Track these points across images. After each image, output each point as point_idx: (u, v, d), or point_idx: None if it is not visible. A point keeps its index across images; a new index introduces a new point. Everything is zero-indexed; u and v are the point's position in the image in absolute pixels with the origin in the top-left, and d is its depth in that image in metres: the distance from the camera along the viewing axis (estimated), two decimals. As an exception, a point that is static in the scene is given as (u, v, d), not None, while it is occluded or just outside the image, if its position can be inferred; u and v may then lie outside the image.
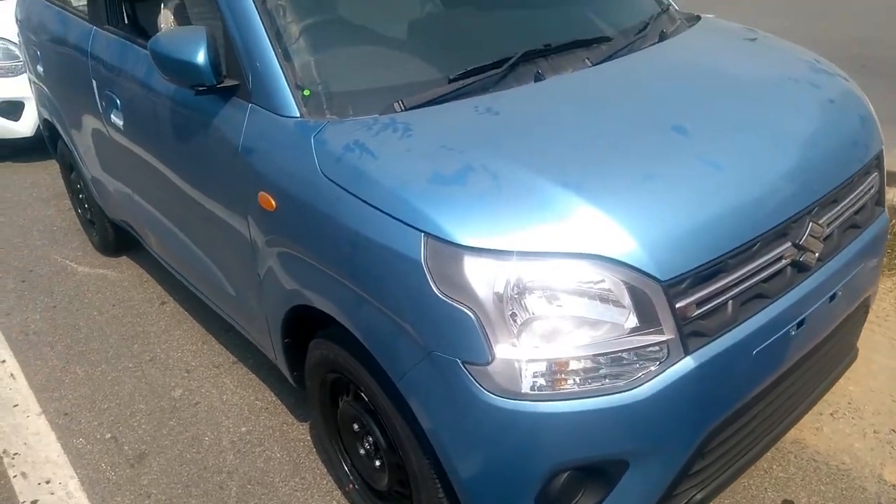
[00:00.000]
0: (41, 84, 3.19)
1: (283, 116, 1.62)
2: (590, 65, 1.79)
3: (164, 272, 3.25)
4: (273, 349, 2.00)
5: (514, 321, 1.25)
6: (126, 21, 2.50)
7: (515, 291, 1.24)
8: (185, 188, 2.08)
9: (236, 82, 1.73)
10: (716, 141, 1.51)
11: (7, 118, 4.69)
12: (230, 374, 2.60)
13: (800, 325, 1.48)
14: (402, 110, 1.58)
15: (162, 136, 2.11)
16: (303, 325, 1.82)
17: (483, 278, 1.25)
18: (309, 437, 2.26)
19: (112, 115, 2.41)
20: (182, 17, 2.49)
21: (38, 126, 3.98)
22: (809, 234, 1.48)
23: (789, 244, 1.47)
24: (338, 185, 1.44)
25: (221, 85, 1.72)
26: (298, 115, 1.61)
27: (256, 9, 1.71)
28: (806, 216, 1.50)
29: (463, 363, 1.27)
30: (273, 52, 1.66)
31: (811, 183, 1.52)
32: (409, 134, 1.50)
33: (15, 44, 4.29)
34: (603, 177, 1.37)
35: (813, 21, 6.89)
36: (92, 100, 2.56)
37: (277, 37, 1.69)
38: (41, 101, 3.34)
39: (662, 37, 1.98)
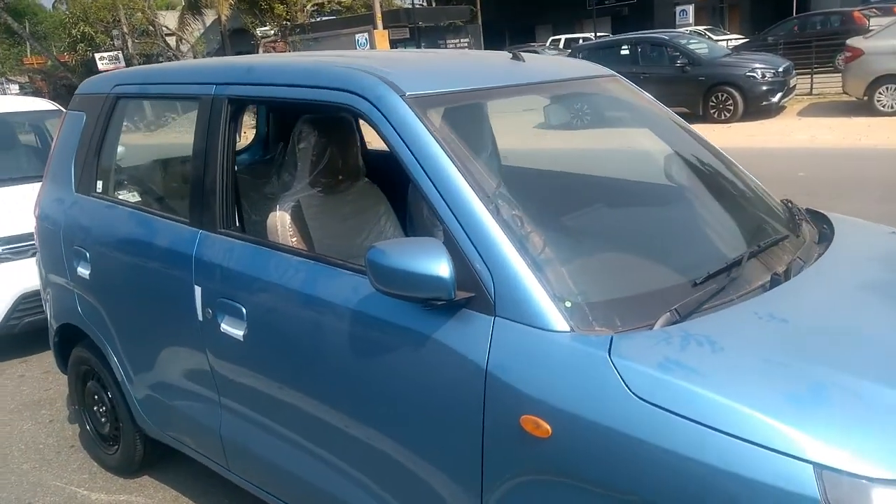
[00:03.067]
0: (77, 288, 2.88)
1: (545, 330, 1.53)
2: (803, 265, 1.86)
3: (200, 491, 2.87)
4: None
5: None
6: (238, 224, 2.36)
7: None
8: (361, 416, 1.89)
9: (471, 294, 1.64)
10: None
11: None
12: None
13: None
14: (677, 320, 1.54)
15: (329, 354, 1.93)
16: None
17: None
18: None
19: (224, 326, 2.19)
20: (299, 220, 2.40)
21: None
22: None
23: None
24: (663, 408, 1.34)
25: (457, 299, 1.62)
26: (568, 328, 1.52)
27: (496, 220, 1.66)
28: None
29: None
30: (524, 262, 1.60)
31: None
32: (720, 348, 1.45)
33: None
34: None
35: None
36: (184, 309, 2.33)
37: (522, 246, 1.63)
38: (65, 304, 3.01)
39: (824, 237, 2.09)
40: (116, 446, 3.06)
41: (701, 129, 2.33)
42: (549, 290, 1.57)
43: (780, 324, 1.55)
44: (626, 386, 1.39)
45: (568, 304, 1.56)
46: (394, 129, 1.83)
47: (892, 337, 1.51)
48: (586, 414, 1.42)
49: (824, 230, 2.16)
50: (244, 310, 2.14)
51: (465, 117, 2.05)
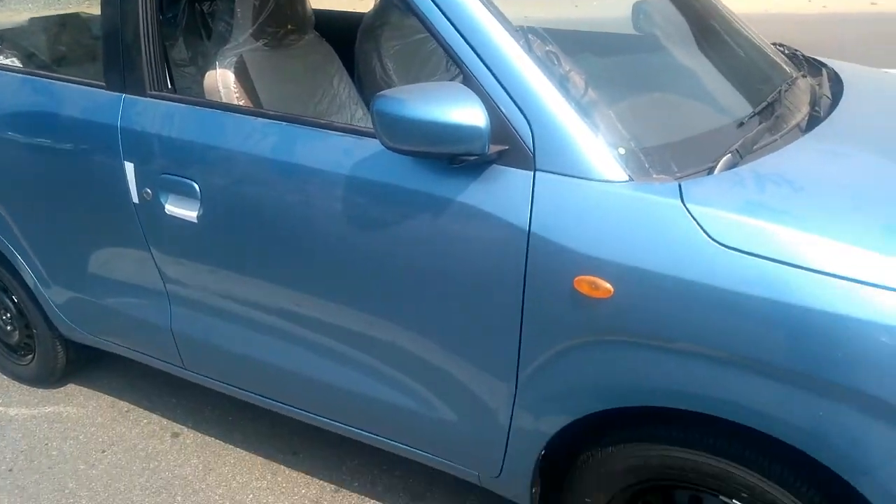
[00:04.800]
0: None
1: (600, 181, 1.33)
2: (831, 102, 1.74)
3: (140, 394, 2.57)
4: (502, 469, 1.63)
5: None
6: (170, 85, 1.94)
7: None
8: (363, 296, 1.64)
9: (503, 147, 1.39)
10: None
11: None
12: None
13: None
14: (738, 162, 1.38)
15: (318, 231, 1.64)
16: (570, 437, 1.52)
17: None
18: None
19: (170, 207, 1.84)
20: (244, 79, 2.01)
21: None
22: None
23: None
24: (753, 254, 1.19)
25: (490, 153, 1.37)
26: (626, 177, 1.32)
27: (529, 57, 1.39)
28: None
29: None
30: (568, 105, 1.36)
31: None
32: (799, 187, 1.30)
33: None
34: None
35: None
36: (111, 192, 1.94)
37: (563, 87, 1.39)
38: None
39: (831, 76, 1.99)
40: (31, 356, 2.64)
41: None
42: (599, 136, 1.35)
43: (846, 159, 1.43)
44: (707, 234, 1.22)
45: (622, 152, 1.35)
46: None
47: None
48: (657, 268, 1.25)
49: (824, 69, 2.06)
50: (196, 186, 1.78)
51: None
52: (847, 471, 1.21)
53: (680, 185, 1.29)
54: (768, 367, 1.21)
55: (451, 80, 1.47)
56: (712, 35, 1.97)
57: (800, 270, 1.17)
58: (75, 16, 2.71)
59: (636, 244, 1.27)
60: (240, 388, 2.05)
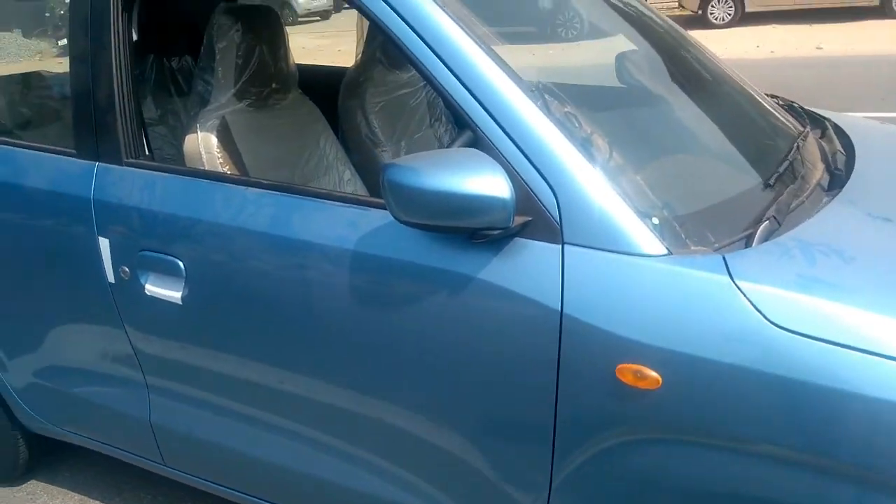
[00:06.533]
0: None
1: (636, 255, 1.22)
2: (846, 159, 1.68)
3: (111, 490, 2.35)
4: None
5: None
6: (148, 152, 1.80)
7: None
8: (371, 385, 1.50)
9: (527, 219, 1.28)
10: None
11: None
12: None
13: None
14: (776, 229, 1.29)
15: (319, 313, 1.50)
16: None
17: None
18: None
19: (151, 287, 1.68)
20: (227, 142, 1.88)
21: None
22: None
23: None
24: (819, 339, 1.09)
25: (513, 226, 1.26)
26: (665, 250, 1.22)
27: (549, 118, 1.29)
28: None
29: None
30: (595, 171, 1.26)
31: None
32: (850, 257, 1.22)
33: None
34: None
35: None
36: (83, 269, 1.77)
37: (587, 151, 1.29)
38: None
39: (838, 131, 1.93)
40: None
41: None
42: (631, 205, 1.25)
43: (888, 223, 1.35)
44: (763, 315, 1.12)
45: (656, 221, 1.26)
46: (396, 12, 1.38)
47: None
48: (710, 354, 1.14)
49: (827, 122, 2.02)
50: (181, 264, 1.63)
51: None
52: None
53: (725, 259, 1.19)
54: (847, 466, 1.10)
55: (460, 143, 1.36)
56: (710, 87, 1.91)
57: (874, 357, 1.07)
58: (37, 75, 2.55)
59: (685, 327, 1.17)
60: (228, 488, 1.86)
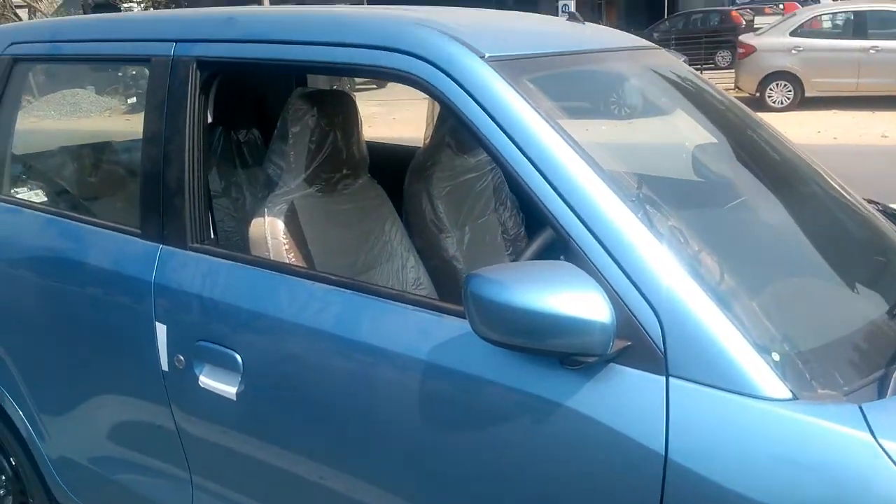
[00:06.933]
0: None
1: (755, 398, 1.07)
2: None
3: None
4: None
5: None
6: (213, 236, 1.73)
7: None
8: None
9: (626, 343, 1.15)
10: None
11: None
12: None
13: None
14: None
15: (383, 424, 1.37)
16: None
17: None
18: None
19: (205, 380, 1.58)
20: (294, 228, 1.81)
21: None
22: None
23: None
24: None
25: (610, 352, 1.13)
26: (789, 394, 1.07)
27: (653, 234, 1.17)
28: None
29: None
30: (705, 295, 1.13)
31: None
32: None
33: None
34: None
35: None
36: (137, 354, 1.69)
37: (695, 271, 1.16)
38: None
39: None
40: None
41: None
42: (747, 337, 1.11)
43: None
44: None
45: (776, 358, 1.11)
46: (477, 102, 1.30)
47: None
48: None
49: None
50: (239, 358, 1.53)
51: (565, 89, 1.55)
52: None
53: (862, 411, 1.03)
54: None
55: (540, 243, 1.25)
56: (807, 190, 1.77)
57: None
58: (109, 147, 2.56)
59: (820, 494, 1.00)
60: None
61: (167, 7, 19.41)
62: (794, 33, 11.58)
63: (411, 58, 1.38)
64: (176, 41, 1.69)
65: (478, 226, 2.46)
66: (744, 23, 18.19)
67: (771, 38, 11.82)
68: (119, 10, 22.74)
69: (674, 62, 2.02)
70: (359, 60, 1.46)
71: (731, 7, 20.71)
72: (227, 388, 1.55)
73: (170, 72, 1.67)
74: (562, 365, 1.16)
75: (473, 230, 2.43)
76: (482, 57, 1.35)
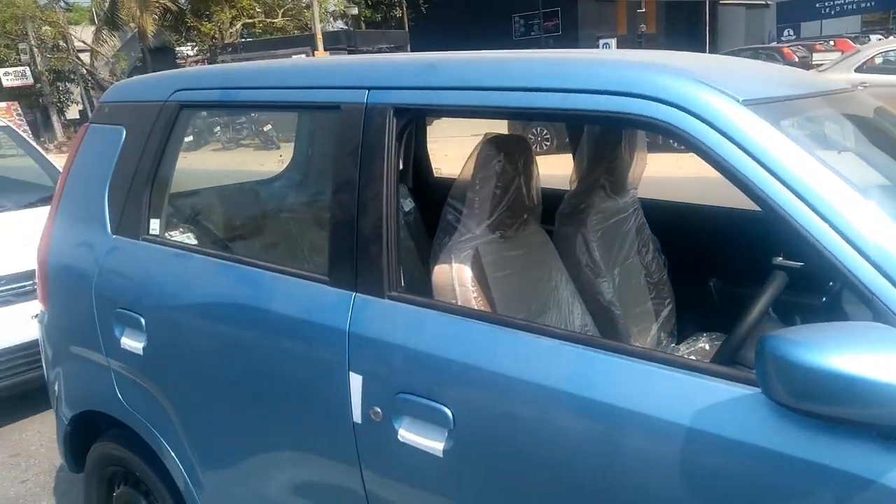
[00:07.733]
0: (119, 365, 2.09)
1: None
2: None
3: None
4: None
5: None
6: (403, 284, 1.68)
7: None
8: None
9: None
10: None
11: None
12: None
13: None
14: None
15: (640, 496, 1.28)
16: None
17: None
18: None
19: (405, 434, 1.51)
20: (480, 274, 1.75)
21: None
22: None
23: None
24: None
25: None
26: None
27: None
28: None
29: None
30: None
31: None
32: None
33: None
34: None
35: None
36: (325, 405, 1.64)
37: None
38: (93, 386, 2.21)
39: None
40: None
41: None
42: None
43: None
44: None
45: None
46: (744, 149, 1.23)
47: None
48: None
49: None
50: (449, 413, 1.46)
51: (822, 132, 1.48)
52: None
53: None
54: None
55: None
56: None
57: None
58: (265, 186, 2.53)
59: None
60: None
61: (222, 51, 19.99)
62: (859, 69, 11.41)
63: (652, 102, 1.32)
64: (369, 88, 1.66)
65: (625, 268, 2.39)
66: (796, 59, 18.01)
67: (837, 75, 11.65)
68: (175, 54, 23.53)
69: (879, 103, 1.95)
70: (583, 106, 1.40)
71: (782, 44, 20.54)
72: (433, 444, 1.48)
73: (363, 119, 1.64)
74: (882, 438, 1.05)
75: (621, 273, 2.36)
76: (739, 101, 1.29)
